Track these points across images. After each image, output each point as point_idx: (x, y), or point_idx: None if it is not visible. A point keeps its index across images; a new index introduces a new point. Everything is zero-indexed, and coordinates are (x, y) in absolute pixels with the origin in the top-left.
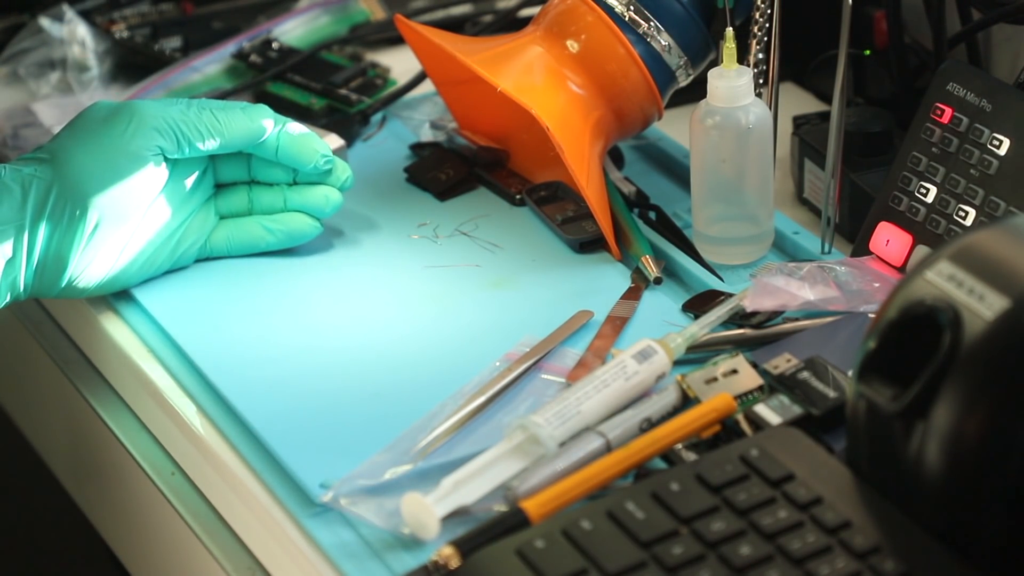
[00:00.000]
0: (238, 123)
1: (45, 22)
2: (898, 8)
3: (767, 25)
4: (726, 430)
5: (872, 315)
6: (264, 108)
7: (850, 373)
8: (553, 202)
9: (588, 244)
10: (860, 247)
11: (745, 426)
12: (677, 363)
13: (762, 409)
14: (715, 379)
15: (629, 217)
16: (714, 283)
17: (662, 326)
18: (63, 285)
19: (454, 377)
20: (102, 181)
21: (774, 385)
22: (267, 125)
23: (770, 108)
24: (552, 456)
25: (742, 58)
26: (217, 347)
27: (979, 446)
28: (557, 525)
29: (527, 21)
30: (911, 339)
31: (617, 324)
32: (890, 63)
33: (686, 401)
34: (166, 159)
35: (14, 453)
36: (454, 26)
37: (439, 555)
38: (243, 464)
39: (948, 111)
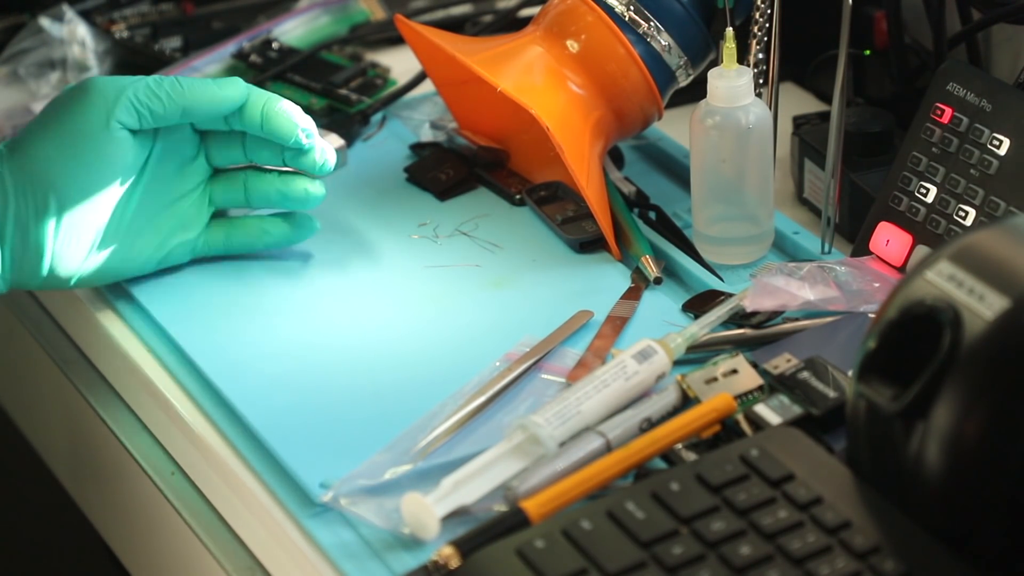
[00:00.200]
0: (203, 90)
1: (45, 22)
2: (898, 8)
3: (767, 25)
4: (726, 430)
5: (872, 315)
6: (236, 79)
7: (850, 373)
8: (553, 202)
9: (588, 244)
10: (860, 247)
11: (745, 426)
12: (677, 363)
13: (762, 409)
14: (715, 379)
15: (629, 217)
16: (714, 283)
17: (662, 326)
18: (45, 274)
19: (454, 377)
20: (58, 160)
21: (774, 385)
22: (237, 92)
23: (770, 108)
24: (552, 456)
25: (742, 58)
26: (217, 347)
27: (979, 446)
28: (557, 525)
29: (527, 21)
30: (911, 339)
31: (617, 324)
32: (890, 63)
33: (686, 401)
34: (135, 134)
35: (14, 453)
36: (454, 26)
37: (439, 555)
38: (243, 464)
39: (948, 111)
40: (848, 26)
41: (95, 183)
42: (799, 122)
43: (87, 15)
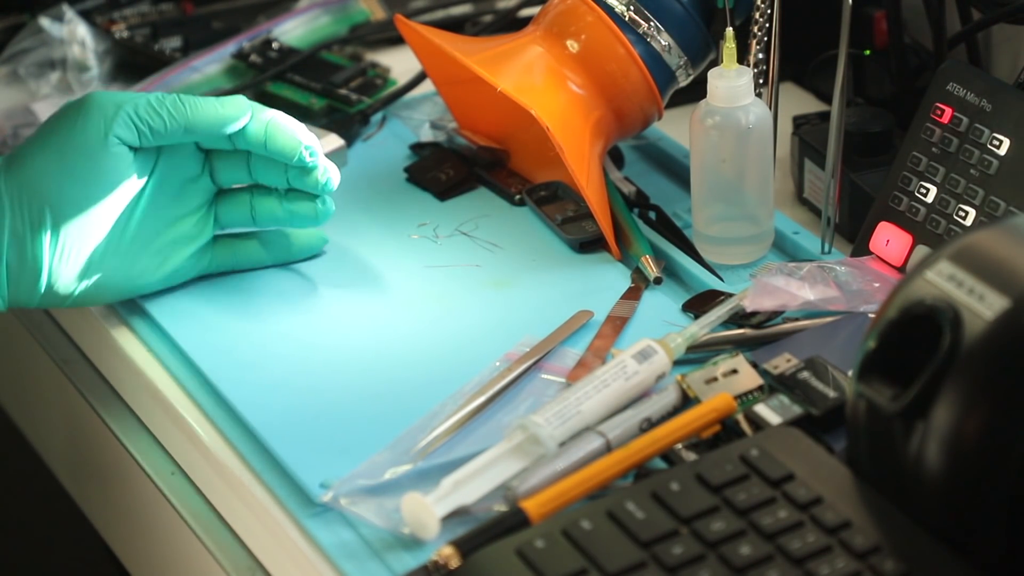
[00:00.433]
0: (206, 108)
1: (45, 22)
2: (898, 8)
3: (767, 25)
4: (726, 430)
5: (872, 315)
6: (239, 97)
7: (850, 373)
8: (553, 202)
9: (588, 244)
10: (860, 247)
11: (745, 426)
12: (677, 363)
13: (762, 409)
14: (715, 379)
15: (629, 217)
16: (714, 283)
17: (662, 326)
18: (43, 290)
19: (454, 377)
20: (55, 174)
21: (774, 385)
22: (239, 111)
23: (770, 108)
24: (552, 456)
25: (742, 58)
26: (217, 347)
27: (979, 446)
28: (557, 525)
29: (527, 21)
30: (911, 339)
31: (617, 324)
32: (890, 63)
33: (686, 401)
34: (136, 152)
35: (14, 453)
36: (454, 26)
37: (439, 555)
38: (243, 464)
39: (948, 111)
40: (848, 26)
41: (92, 198)
42: (799, 122)
43: (87, 15)
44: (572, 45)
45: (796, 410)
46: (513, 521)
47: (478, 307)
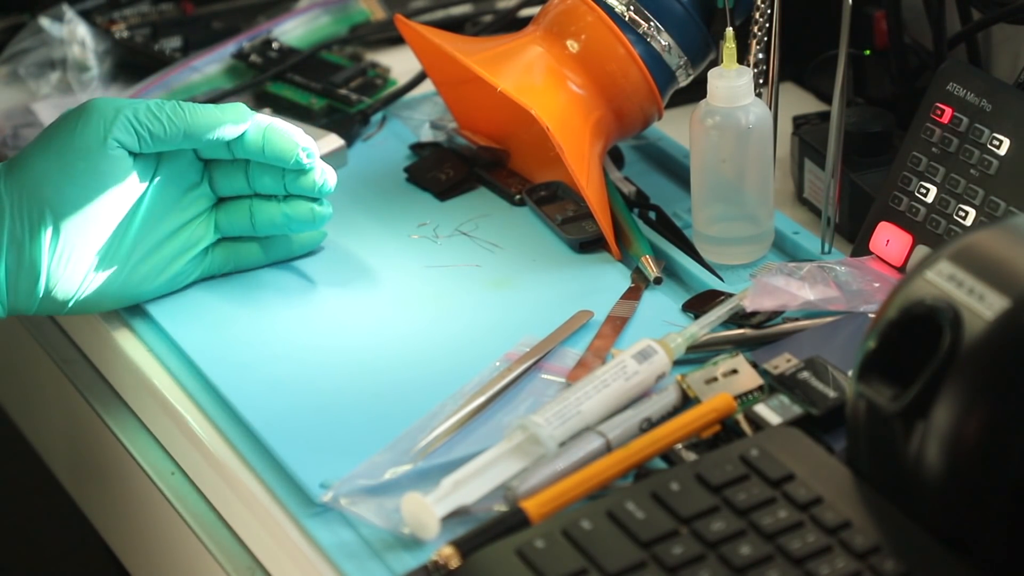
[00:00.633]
0: (205, 114)
1: (45, 22)
2: (898, 8)
3: (767, 25)
4: (726, 430)
5: (872, 315)
6: (239, 105)
7: (850, 373)
8: (553, 202)
9: (588, 244)
10: (860, 247)
11: (745, 426)
12: (677, 363)
13: (762, 409)
14: (715, 379)
15: (629, 217)
16: (714, 283)
17: (662, 326)
18: (41, 295)
19: (454, 377)
20: (54, 178)
21: (774, 385)
22: (238, 117)
23: (770, 108)
24: (552, 456)
25: (742, 58)
26: (217, 347)
27: (979, 446)
28: (557, 525)
29: (527, 21)
30: (911, 339)
31: (617, 324)
32: (890, 63)
33: (686, 401)
34: (135, 157)
35: (14, 453)
36: (454, 26)
37: (439, 555)
38: (243, 464)
39: (948, 111)
40: (848, 26)
41: (92, 202)
42: (799, 122)
43: (87, 15)
44: (572, 45)
45: (796, 410)
46: (513, 521)
47: (478, 307)
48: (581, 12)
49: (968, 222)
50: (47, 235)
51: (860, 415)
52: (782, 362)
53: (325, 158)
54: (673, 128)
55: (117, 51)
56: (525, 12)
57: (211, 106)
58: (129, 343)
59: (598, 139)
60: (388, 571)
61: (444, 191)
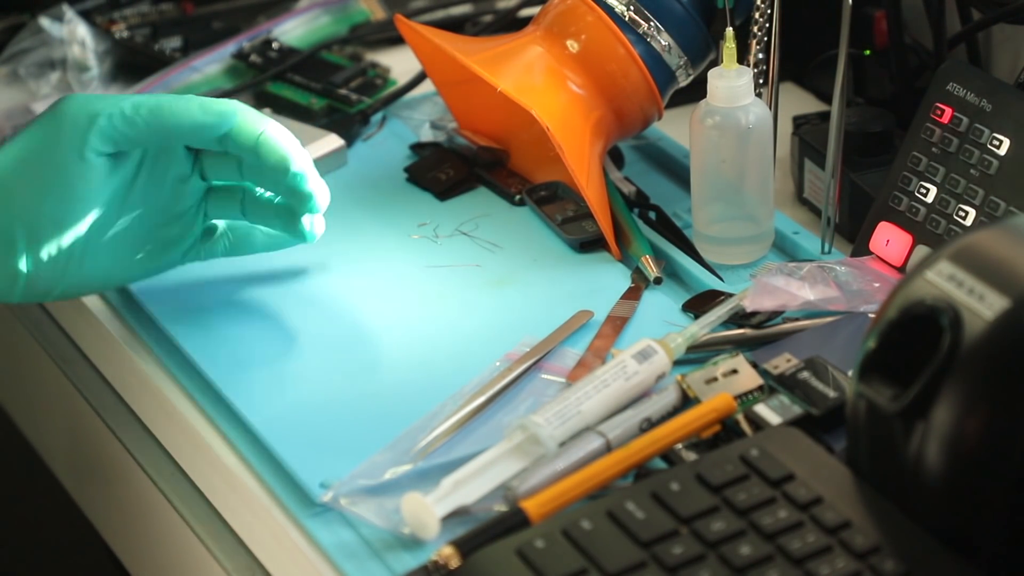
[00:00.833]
0: (186, 114)
1: (45, 22)
2: (898, 8)
3: (767, 25)
4: (726, 430)
5: (872, 315)
6: (227, 102)
7: (850, 373)
8: (553, 202)
9: (588, 244)
10: (860, 247)
11: (745, 426)
12: (677, 363)
13: (762, 409)
14: (715, 379)
15: (629, 217)
16: (714, 283)
17: (662, 326)
18: (20, 294)
19: (454, 377)
20: (28, 193)
21: (774, 385)
22: (221, 118)
23: (770, 108)
24: (552, 456)
25: (742, 58)
26: (217, 347)
27: (979, 446)
28: (557, 525)
29: (527, 21)
30: (911, 339)
31: (617, 324)
32: (890, 63)
33: (686, 401)
34: (115, 156)
35: (14, 453)
36: (454, 26)
37: (439, 555)
38: (243, 464)
39: (948, 111)
40: (848, 26)
41: (70, 210)
42: (799, 122)
43: (87, 15)
44: (572, 45)
45: (796, 410)
46: (513, 521)
47: (478, 307)
48: (581, 12)
49: (968, 222)
50: (23, 246)
51: (860, 415)
52: (782, 362)
53: (325, 158)
54: (673, 128)
55: (117, 51)
56: (525, 12)
57: (195, 103)
58: (130, 343)
59: (598, 139)
60: (388, 571)
61: (444, 191)
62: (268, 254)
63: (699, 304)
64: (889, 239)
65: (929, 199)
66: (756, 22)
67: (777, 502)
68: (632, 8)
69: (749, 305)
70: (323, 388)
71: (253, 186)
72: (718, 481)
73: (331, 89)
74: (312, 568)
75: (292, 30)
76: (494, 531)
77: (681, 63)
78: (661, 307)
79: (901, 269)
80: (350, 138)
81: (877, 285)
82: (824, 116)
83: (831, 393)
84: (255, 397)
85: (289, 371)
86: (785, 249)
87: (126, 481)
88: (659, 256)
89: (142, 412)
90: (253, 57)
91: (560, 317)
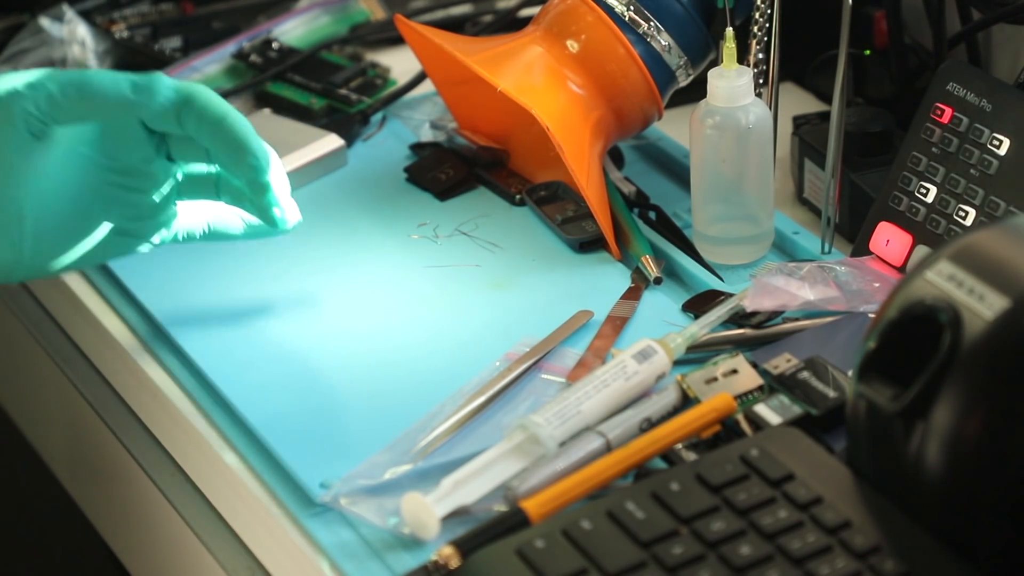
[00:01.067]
0: (112, 90)
1: (45, 22)
2: (898, 8)
3: (767, 25)
4: (726, 430)
5: (872, 315)
6: (157, 78)
7: (850, 373)
8: (553, 202)
9: (588, 244)
10: (860, 247)
11: (745, 426)
12: (677, 363)
13: (762, 409)
14: (715, 379)
15: (629, 217)
16: (714, 283)
17: (662, 326)
18: None
19: (454, 377)
20: None
21: (774, 385)
22: (149, 98)
23: (770, 108)
24: (552, 456)
25: (742, 58)
26: (217, 346)
27: (979, 446)
28: (557, 525)
29: (527, 21)
30: (911, 339)
31: (617, 324)
32: (890, 63)
33: (686, 401)
34: (50, 138)
35: (14, 453)
36: (454, 26)
37: (439, 555)
38: (243, 464)
39: (948, 111)
40: (848, 26)
41: (17, 194)
42: (799, 122)
43: (87, 15)
44: (572, 45)
45: (796, 410)
46: (513, 521)
47: (478, 307)
48: (581, 12)
49: (968, 222)
50: None
51: (860, 415)
52: (782, 362)
53: (325, 158)
54: (673, 128)
55: (117, 51)
56: (525, 12)
57: (124, 83)
58: (129, 343)
59: (598, 139)
60: (388, 571)
61: (444, 191)
62: (268, 254)
63: (699, 304)
64: (889, 239)
65: (929, 199)
66: (756, 22)
67: (777, 502)
68: (632, 8)
69: (749, 305)
70: (323, 388)
71: (221, 168)
72: (718, 481)
73: (331, 89)
74: (312, 568)
75: (292, 30)
76: (494, 531)
77: (681, 63)
78: (661, 307)
79: (901, 269)
80: (350, 138)
81: (877, 285)
82: (824, 116)
83: (831, 393)
84: (255, 397)
85: (289, 371)
86: (785, 249)
87: (126, 481)
88: (659, 256)
89: (142, 412)
90: (253, 57)
91: (560, 317)
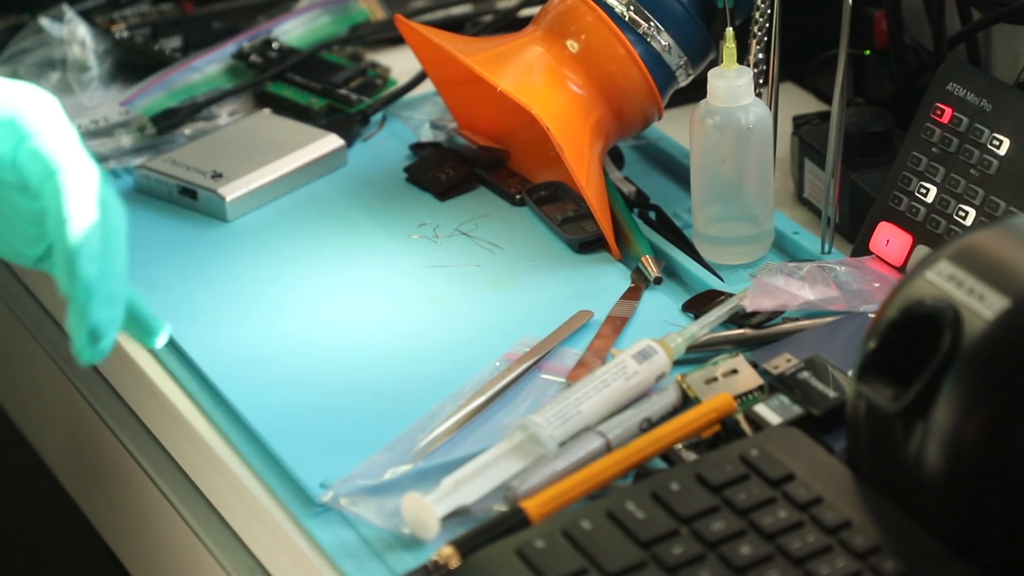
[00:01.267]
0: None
1: (45, 22)
2: (898, 8)
3: (767, 25)
4: (726, 430)
5: (872, 315)
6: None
7: (850, 373)
8: (553, 202)
9: (588, 244)
10: (860, 247)
11: (745, 426)
12: (677, 363)
13: (762, 409)
14: (715, 379)
15: (629, 217)
16: (714, 283)
17: (662, 326)
18: None
19: (454, 377)
20: None
21: (774, 385)
22: None
23: (770, 108)
24: (552, 456)
25: (742, 58)
26: (217, 346)
27: (979, 446)
28: (557, 525)
29: (527, 21)
30: (911, 339)
31: (617, 324)
32: (890, 63)
33: (686, 401)
34: None
35: (14, 453)
36: (454, 26)
37: (439, 555)
38: (243, 464)
39: (948, 111)
40: (848, 26)
41: None
42: (799, 122)
43: (87, 15)
44: (572, 45)
45: (796, 410)
46: (513, 521)
47: (478, 307)
48: (581, 12)
49: (968, 222)
50: None
51: (860, 415)
52: (782, 362)
53: (325, 158)
54: (673, 128)
55: (117, 51)
56: (525, 12)
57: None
58: (129, 343)
59: (598, 139)
60: (388, 571)
61: (444, 191)
62: (268, 255)
63: (699, 304)
64: (889, 239)
65: (929, 199)
66: (756, 22)
67: (777, 502)
68: (632, 8)
69: (749, 305)
70: (323, 388)
71: None
72: (718, 481)
73: (331, 89)
74: (312, 568)
75: (292, 30)
76: (494, 531)
77: (681, 63)
78: (661, 307)
79: (901, 269)
80: (350, 138)
81: (877, 285)
82: (824, 116)
83: (831, 393)
84: (255, 397)
85: (289, 371)
86: (785, 249)
87: (126, 481)
88: (659, 256)
89: (142, 412)
90: (253, 57)
91: (560, 317)
